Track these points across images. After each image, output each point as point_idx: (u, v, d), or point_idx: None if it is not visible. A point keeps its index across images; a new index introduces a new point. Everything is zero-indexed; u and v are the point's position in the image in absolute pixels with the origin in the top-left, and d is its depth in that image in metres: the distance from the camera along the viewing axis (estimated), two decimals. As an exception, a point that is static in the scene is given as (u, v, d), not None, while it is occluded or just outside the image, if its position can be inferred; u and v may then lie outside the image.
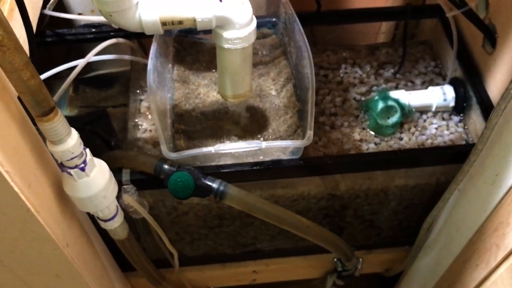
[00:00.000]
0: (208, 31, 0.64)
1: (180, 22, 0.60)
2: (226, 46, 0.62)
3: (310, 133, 0.67)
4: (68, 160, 0.55)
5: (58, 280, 0.67)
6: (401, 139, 0.83)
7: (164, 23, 0.60)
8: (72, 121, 0.93)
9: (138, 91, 0.91)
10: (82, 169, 0.56)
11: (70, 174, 0.56)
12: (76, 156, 0.55)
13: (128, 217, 0.73)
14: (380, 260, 1.01)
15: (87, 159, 0.57)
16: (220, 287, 1.04)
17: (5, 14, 0.70)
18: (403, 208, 0.87)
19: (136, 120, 0.86)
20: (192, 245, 0.92)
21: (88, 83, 1.04)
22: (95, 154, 0.62)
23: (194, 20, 0.60)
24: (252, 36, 0.63)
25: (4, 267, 0.62)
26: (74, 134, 0.54)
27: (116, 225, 0.68)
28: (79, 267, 0.66)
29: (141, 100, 0.90)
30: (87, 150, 0.57)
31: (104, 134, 0.79)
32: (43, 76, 0.80)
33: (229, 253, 0.96)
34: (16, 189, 0.49)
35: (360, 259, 0.88)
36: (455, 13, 0.79)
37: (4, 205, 0.50)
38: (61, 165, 0.56)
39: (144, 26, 0.59)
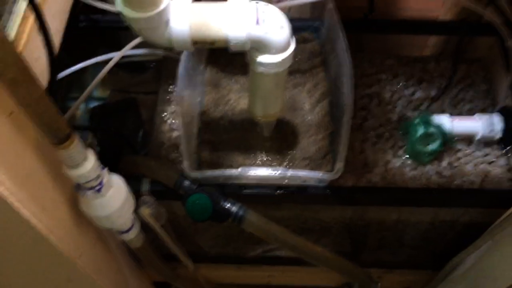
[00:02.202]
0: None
1: (212, 43, 0.56)
2: (259, 69, 0.58)
3: (340, 165, 0.63)
4: (84, 183, 0.53)
5: (70, 284, 0.67)
6: (437, 168, 0.78)
7: (195, 42, 0.56)
8: (103, 108, 0.93)
9: (168, 85, 0.88)
10: (98, 191, 0.55)
11: (85, 194, 0.55)
12: (92, 179, 0.53)
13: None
14: (400, 280, 0.98)
15: (104, 180, 0.55)
16: (235, 284, 1.04)
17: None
18: (429, 238, 0.83)
19: (164, 117, 0.83)
20: (209, 246, 0.92)
21: (121, 66, 1.02)
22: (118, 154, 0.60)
23: (227, 42, 0.56)
24: (288, 61, 0.58)
25: (17, 271, 0.62)
26: (91, 158, 0.52)
27: (131, 237, 0.67)
28: (92, 273, 0.66)
29: (171, 95, 0.87)
30: (105, 170, 0.56)
31: (129, 138, 0.77)
32: (79, 66, 0.78)
33: (246, 256, 0.95)
34: (27, 215, 0.48)
35: (379, 284, 0.86)
36: (516, 42, 0.72)
37: (14, 230, 0.49)
38: (77, 185, 0.54)
39: (174, 43, 0.56)
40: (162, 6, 0.52)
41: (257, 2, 0.56)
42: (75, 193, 0.58)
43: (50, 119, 0.44)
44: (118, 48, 0.81)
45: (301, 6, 0.86)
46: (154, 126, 0.84)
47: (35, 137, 0.50)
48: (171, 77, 0.88)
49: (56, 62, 0.57)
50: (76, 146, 0.49)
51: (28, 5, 0.52)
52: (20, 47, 0.58)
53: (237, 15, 0.55)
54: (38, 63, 0.63)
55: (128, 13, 0.51)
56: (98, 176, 0.54)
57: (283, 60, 0.57)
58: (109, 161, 0.59)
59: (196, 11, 0.55)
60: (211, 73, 0.80)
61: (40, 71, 0.62)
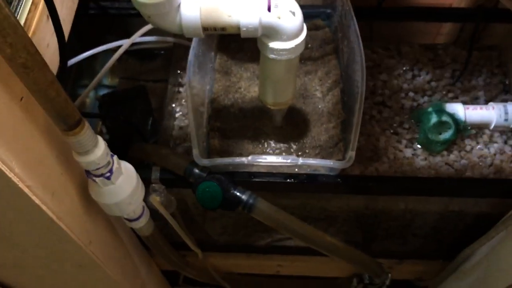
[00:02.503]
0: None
1: (223, 29, 0.55)
2: (270, 56, 0.57)
3: (351, 154, 0.62)
4: (93, 170, 0.53)
5: (81, 269, 0.67)
6: (449, 159, 0.77)
7: (205, 29, 0.55)
8: (112, 96, 0.93)
9: (178, 73, 0.87)
10: (108, 178, 0.55)
11: (95, 181, 0.55)
12: (102, 166, 0.53)
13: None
14: (411, 270, 0.97)
15: (114, 168, 0.55)
16: (243, 273, 1.04)
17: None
18: (441, 228, 0.82)
19: (174, 105, 0.83)
20: (218, 234, 0.91)
21: (130, 54, 1.01)
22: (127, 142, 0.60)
23: (238, 28, 0.55)
24: (300, 48, 0.57)
25: (29, 255, 0.62)
26: (101, 144, 0.52)
27: (141, 225, 0.67)
28: (101, 260, 0.66)
29: (180, 82, 0.86)
30: (115, 157, 0.55)
31: (138, 126, 0.77)
32: (89, 53, 0.78)
33: (255, 245, 0.94)
34: (37, 201, 0.48)
35: (389, 275, 0.85)
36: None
37: (25, 216, 0.49)
38: (87, 172, 0.54)
39: (184, 30, 0.55)
40: (172, -8, 0.51)
41: (268, -12, 0.55)
42: (85, 179, 0.58)
43: (60, 105, 0.44)
44: (127, 35, 0.81)
45: (313, -7, 0.85)
46: (163, 114, 0.83)
47: (45, 123, 0.49)
48: (181, 65, 0.87)
49: (67, 48, 0.56)
50: (86, 132, 0.48)
51: (37, -10, 0.51)
52: (30, 33, 0.58)
53: (248, 0, 0.54)
54: (48, 50, 0.62)
55: (138, -2, 0.51)
56: (108, 163, 0.53)
57: (295, 46, 0.56)
58: (118, 149, 0.59)
59: (207, -4, 0.54)
60: (221, 60, 0.80)
61: (50, 58, 0.62)
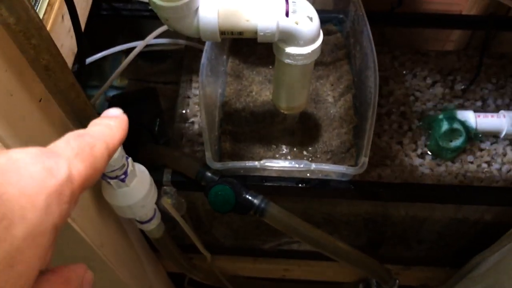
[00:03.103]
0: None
1: (240, 33, 0.55)
2: (286, 61, 0.57)
3: (364, 160, 0.62)
4: (108, 172, 0.53)
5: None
6: (458, 167, 0.77)
7: (223, 33, 0.55)
8: (121, 98, 0.93)
9: (190, 75, 0.87)
10: (122, 180, 0.55)
11: (109, 183, 0.54)
12: (117, 168, 0.53)
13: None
14: (417, 276, 0.97)
15: (128, 170, 0.55)
16: (250, 276, 1.04)
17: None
18: (448, 236, 0.82)
19: (184, 108, 0.83)
20: (226, 237, 0.91)
21: (141, 55, 1.01)
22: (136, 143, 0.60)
23: (256, 33, 0.55)
24: (316, 53, 0.57)
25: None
26: (117, 147, 0.52)
27: (152, 227, 0.67)
28: (112, 263, 0.66)
29: (192, 86, 0.86)
30: (129, 160, 0.55)
31: (151, 127, 0.77)
32: (104, 53, 0.78)
33: (262, 248, 0.94)
34: (53, 203, 0.48)
35: (397, 281, 0.85)
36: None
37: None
38: (102, 174, 0.54)
39: (201, 34, 0.55)
40: (191, -4, 0.51)
41: (286, -7, 0.55)
42: (98, 181, 0.58)
43: (79, 107, 0.44)
44: (139, 37, 0.81)
45: (325, -3, 0.85)
46: (174, 117, 0.83)
47: (61, 125, 0.49)
48: (192, 67, 0.87)
49: (85, 48, 0.57)
50: (103, 135, 0.48)
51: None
52: (46, 34, 0.58)
53: (266, 5, 0.54)
54: (63, 50, 0.63)
55: (157, 1, 0.51)
56: (123, 166, 0.53)
57: (311, 52, 0.56)
58: (127, 150, 0.59)
59: (225, 1, 0.54)
60: (233, 64, 0.80)
61: (65, 58, 0.62)
